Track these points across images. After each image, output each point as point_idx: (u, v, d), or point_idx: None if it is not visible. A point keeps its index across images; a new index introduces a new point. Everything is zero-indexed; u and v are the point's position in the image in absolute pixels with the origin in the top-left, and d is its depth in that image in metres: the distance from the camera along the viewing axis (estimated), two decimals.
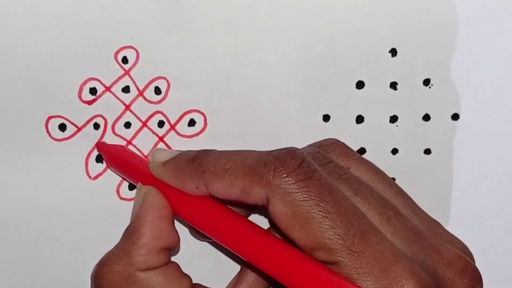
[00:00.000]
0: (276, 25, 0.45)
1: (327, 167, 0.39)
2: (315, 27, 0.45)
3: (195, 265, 0.49)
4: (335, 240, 0.36)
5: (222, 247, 0.43)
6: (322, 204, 0.36)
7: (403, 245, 0.37)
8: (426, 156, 0.48)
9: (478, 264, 0.39)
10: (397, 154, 0.48)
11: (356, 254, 0.36)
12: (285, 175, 0.37)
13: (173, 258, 0.48)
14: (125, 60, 0.45)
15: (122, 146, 0.47)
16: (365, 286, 0.35)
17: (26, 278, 0.47)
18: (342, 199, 0.37)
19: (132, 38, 0.45)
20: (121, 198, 0.48)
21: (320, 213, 0.36)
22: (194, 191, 0.40)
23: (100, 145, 0.46)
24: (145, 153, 0.47)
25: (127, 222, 0.47)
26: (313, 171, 0.37)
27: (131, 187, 0.48)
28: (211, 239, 0.42)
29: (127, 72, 0.46)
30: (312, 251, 0.37)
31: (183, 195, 0.41)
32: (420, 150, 0.48)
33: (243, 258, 0.40)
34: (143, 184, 0.43)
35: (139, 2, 0.44)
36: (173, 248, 0.42)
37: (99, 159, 0.47)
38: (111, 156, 0.46)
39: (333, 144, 0.43)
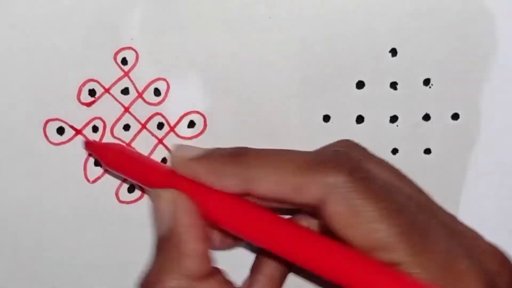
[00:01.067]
0: (276, 25, 0.45)
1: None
2: (315, 27, 0.45)
3: None
4: (398, 238, 0.35)
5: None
6: (382, 203, 0.35)
7: (453, 241, 0.36)
8: (426, 156, 0.48)
9: None
10: (397, 154, 0.48)
11: (420, 253, 0.35)
12: (343, 175, 0.36)
13: None
14: (124, 61, 0.45)
15: (120, 145, 0.45)
16: (431, 284, 0.34)
17: (25, 282, 0.47)
18: (399, 197, 0.36)
19: (132, 39, 0.44)
20: (120, 202, 0.47)
21: (382, 211, 0.35)
22: (233, 188, 0.38)
23: (90, 145, 0.45)
24: None
25: (126, 225, 0.47)
26: (367, 171, 0.37)
27: (131, 190, 0.47)
28: (238, 243, 0.41)
29: (126, 74, 0.45)
30: (373, 251, 0.35)
31: (211, 195, 0.39)
32: (420, 150, 0.48)
33: (288, 259, 0.37)
34: (157, 187, 0.40)
35: (139, 2, 0.44)
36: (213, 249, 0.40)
37: (97, 162, 0.47)
38: (110, 157, 0.44)
39: (355, 146, 0.41)
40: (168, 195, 0.39)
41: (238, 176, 0.38)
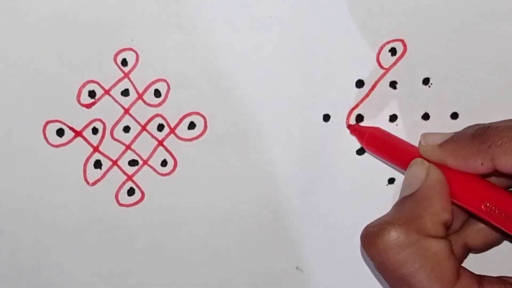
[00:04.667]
0: (276, 25, 0.45)
1: None
2: (315, 27, 0.45)
3: (196, 269, 0.49)
4: None
5: None
6: None
7: None
8: None
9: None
10: None
11: None
12: None
13: (173, 265, 0.47)
14: (124, 62, 0.45)
15: (378, 128, 0.47)
16: None
17: (24, 284, 0.46)
18: None
19: (132, 40, 0.44)
20: (120, 204, 0.47)
21: None
22: (479, 168, 0.40)
23: (352, 128, 0.47)
24: (144, 158, 0.47)
25: (126, 227, 0.46)
26: None
27: (130, 192, 0.47)
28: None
29: (126, 75, 0.45)
30: None
31: (458, 177, 0.41)
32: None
33: None
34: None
35: (139, 3, 0.44)
36: (449, 225, 0.41)
37: (97, 165, 0.46)
38: (370, 138, 0.46)
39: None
40: (425, 164, 0.42)
41: (480, 155, 0.40)
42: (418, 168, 0.42)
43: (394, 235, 0.39)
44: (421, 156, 0.43)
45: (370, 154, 0.47)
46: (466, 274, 0.40)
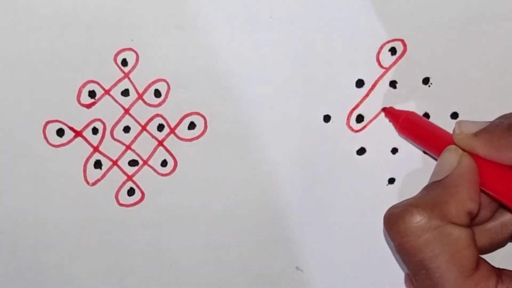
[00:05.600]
0: (276, 25, 0.45)
1: None
2: (316, 27, 0.45)
3: (196, 269, 0.49)
4: None
5: None
6: None
7: None
8: (426, 155, 0.48)
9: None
10: (396, 154, 0.48)
11: None
12: None
13: (173, 265, 0.47)
14: (124, 62, 0.45)
15: (413, 112, 0.47)
16: None
17: (24, 285, 0.46)
18: None
19: (132, 40, 0.44)
20: (120, 205, 0.47)
21: None
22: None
23: (387, 111, 0.47)
24: (144, 158, 0.47)
25: (126, 227, 0.46)
26: None
27: (130, 192, 0.47)
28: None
29: (126, 75, 0.45)
30: None
31: (491, 167, 0.41)
32: (420, 150, 0.48)
33: None
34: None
35: (139, 3, 0.44)
36: (474, 215, 0.41)
37: (97, 165, 0.46)
38: (405, 122, 0.46)
39: None
40: (458, 151, 0.42)
41: None
42: (451, 155, 0.42)
43: (416, 218, 0.39)
44: (454, 144, 0.42)
45: (402, 137, 0.47)
46: (485, 265, 0.40)
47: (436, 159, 0.43)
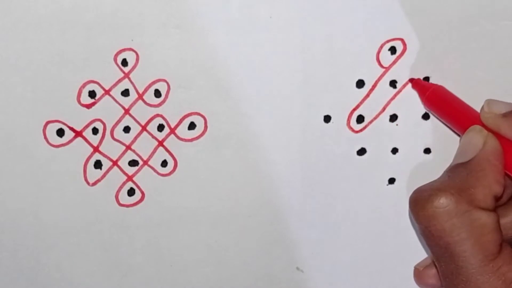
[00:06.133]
0: (276, 25, 0.45)
1: None
2: (315, 27, 0.45)
3: (197, 269, 0.49)
4: None
5: None
6: None
7: None
8: (426, 155, 0.48)
9: None
10: (397, 154, 0.48)
11: None
12: None
13: (173, 265, 0.47)
14: (124, 62, 0.45)
15: (441, 86, 0.46)
16: None
17: (24, 285, 0.46)
18: None
19: (132, 40, 0.44)
20: (120, 205, 0.47)
21: None
22: None
23: (414, 82, 0.46)
24: (145, 159, 0.47)
25: (126, 227, 0.46)
26: None
27: (130, 193, 0.47)
28: None
29: (126, 75, 0.45)
30: None
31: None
32: (420, 149, 0.48)
33: None
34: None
35: (139, 3, 0.44)
36: (499, 197, 0.41)
37: (97, 165, 0.46)
38: (432, 95, 0.45)
39: None
40: (483, 132, 0.41)
41: None
42: (476, 135, 0.42)
43: (444, 203, 0.39)
44: (481, 123, 0.42)
45: (428, 111, 0.47)
46: (507, 248, 0.40)
47: (460, 136, 0.43)
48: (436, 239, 0.39)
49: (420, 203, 0.40)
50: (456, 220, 0.38)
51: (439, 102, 0.45)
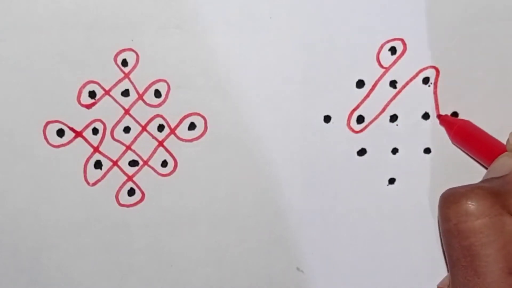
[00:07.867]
0: (276, 25, 0.45)
1: None
2: (315, 27, 0.45)
3: (197, 269, 0.49)
4: None
5: None
6: None
7: None
8: (426, 155, 0.48)
9: None
10: (397, 154, 0.48)
11: None
12: None
13: (173, 265, 0.47)
14: (124, 62, 0.45)
15: (468, 121, 0.47)
16: None
17: (23, 285, 0.46)
18: None
19: (132, 40, 0.44)
20: (120, 205, 0.47)
21: None
22: None
23: (443, 118, 0.47)
24: (145, 159, 0.47)
25: (126, 227, 0.47)
26: None
27: (130, 193, 0.47)
28: None
29: (126, 75, 0.45)
30: None
31: None
32: (420, 149, 0.48)
33: None
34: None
35: (139, 3, 0.44)
36: None
37: (97, 165, 0.46)
38: (459, 130, 0.46)
39: None
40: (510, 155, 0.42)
41: None
42: (509, 160, 0.42)
43: (480, 200, 0.38)
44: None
45: (455, 145, 0.47)
46: None
47: (486, 168, 0.44)
48: (461, 239, 0.39)
49: (455, 198, 0.39)
50: (488, 221, 0.38)
51: (466, 137, 0.46)
